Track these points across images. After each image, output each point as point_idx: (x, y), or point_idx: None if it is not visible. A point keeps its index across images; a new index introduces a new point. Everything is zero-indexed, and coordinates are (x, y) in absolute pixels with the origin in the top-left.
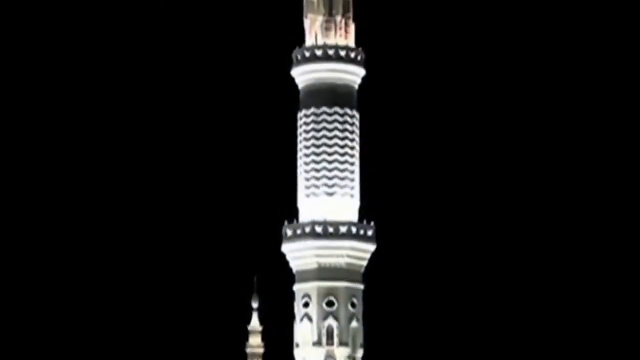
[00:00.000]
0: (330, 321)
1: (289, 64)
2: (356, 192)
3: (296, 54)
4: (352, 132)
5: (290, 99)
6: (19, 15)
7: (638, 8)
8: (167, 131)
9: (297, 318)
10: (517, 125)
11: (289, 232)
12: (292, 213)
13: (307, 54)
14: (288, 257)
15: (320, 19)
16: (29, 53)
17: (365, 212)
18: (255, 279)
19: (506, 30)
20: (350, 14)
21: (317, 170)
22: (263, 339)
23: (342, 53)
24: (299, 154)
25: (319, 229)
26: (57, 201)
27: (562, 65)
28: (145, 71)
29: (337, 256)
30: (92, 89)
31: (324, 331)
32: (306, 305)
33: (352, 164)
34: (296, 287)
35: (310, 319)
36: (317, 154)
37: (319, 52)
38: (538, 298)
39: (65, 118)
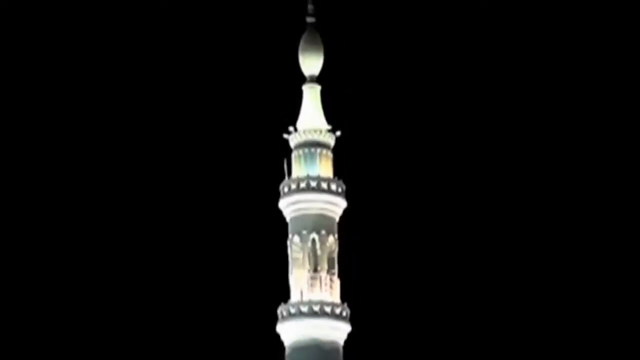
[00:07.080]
0: None
1: (275, 321)
2: None
3: (281, 311)
4: None
5: (277, 357)
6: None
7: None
8: None
9: None
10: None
11: None
12: None
13: (293, 310)
14: None
15: (305, 275)
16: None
17: None
18: None
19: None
20: (335, 271)
21: None
22: None
23: (327, 309)
24: None
25: None
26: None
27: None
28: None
29: None
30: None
31: None
32: None
33: None
34: None
35: None
36: None
37: (304, 309)
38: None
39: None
